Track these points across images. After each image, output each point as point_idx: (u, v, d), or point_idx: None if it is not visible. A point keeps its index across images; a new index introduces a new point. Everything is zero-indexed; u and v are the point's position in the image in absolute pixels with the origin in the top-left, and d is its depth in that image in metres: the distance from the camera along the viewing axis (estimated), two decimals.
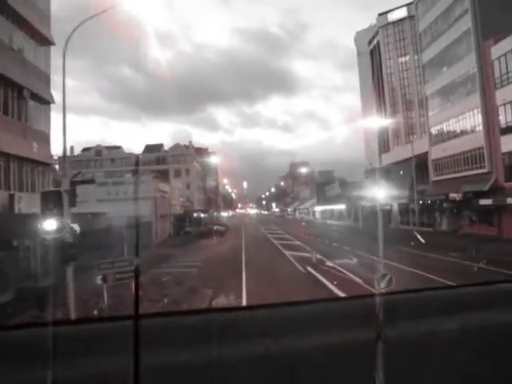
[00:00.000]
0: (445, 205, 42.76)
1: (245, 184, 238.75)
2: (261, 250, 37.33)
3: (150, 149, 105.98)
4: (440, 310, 1.97)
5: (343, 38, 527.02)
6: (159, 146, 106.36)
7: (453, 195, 40.39)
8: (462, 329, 1.89)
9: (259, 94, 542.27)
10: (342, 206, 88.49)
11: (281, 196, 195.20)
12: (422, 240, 36.04)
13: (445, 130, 46.08)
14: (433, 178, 48.13)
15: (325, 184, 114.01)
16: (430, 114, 48.62)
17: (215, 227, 61.53)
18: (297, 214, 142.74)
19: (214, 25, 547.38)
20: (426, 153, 48.04)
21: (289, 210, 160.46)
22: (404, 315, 1.89)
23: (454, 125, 44.29)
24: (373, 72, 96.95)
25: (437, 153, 46.96)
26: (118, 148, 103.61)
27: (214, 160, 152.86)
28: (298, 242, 41.87)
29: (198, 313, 2.00)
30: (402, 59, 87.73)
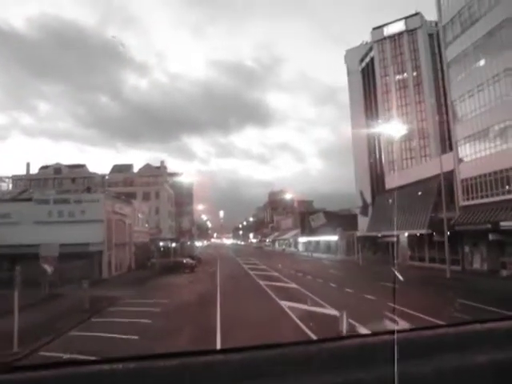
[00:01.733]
0: (491, 236, 32.16)
1: (221, 213, 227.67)
2: (244, 297, 25.82)
3: (118, 169, 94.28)
4: (416, 352, 1.85)
5: (316, 72, 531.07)
6: (128, 167, 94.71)
7: (507, 224, 29.85)
8: (438, 372, 1.79)
9: (234, 125, 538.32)
10: (331, 238, 77.59)
11: (259, 226, 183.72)
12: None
13: (479, 142, 35.92)
14: (461, 202, 37.78)
15: (307, 214, 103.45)
16: (459, 125, 38.50)
17: (184, 260, 49.74)
18: (276, 246, 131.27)
19: (190, 56, 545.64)
20: (450, 172, 37.65)
21: (267, 240, 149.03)
22: (380, 358, 1.77)
23: (492, 135, 34.26)
24: (364, 91, 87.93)
25: (468, 171, 36.69)
26: (80, 167, 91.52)
27: (187, 182, 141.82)
28: (293, 285, 30.50)
29: (172, 356, 1.75)
30: (400, 76, 78.76)
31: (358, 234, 63.85)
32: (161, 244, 69.52)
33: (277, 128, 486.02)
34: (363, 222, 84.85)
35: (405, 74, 78.36)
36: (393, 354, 1.80)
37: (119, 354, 1.98)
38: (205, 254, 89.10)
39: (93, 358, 1.83)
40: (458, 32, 38.37)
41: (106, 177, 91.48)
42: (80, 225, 41.15)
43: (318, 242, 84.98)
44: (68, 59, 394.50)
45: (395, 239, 50.52)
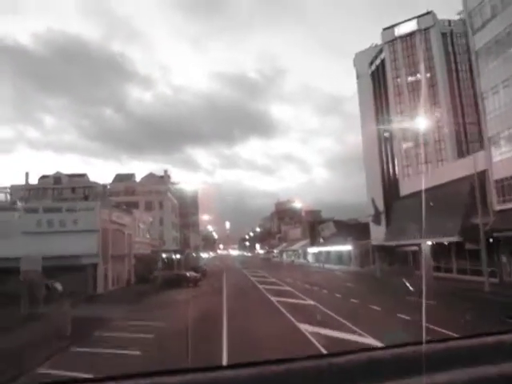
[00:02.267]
0: None
1: (227, 224, 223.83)
2: (255, 319, 21.57)
3: (120, 178, 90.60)
4: (427, 365, 1.79)
5: (318, 82, 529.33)
6: (130, 176, 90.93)
7: None
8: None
9: (238, 136, 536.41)
10: (343, 248, 73.21)
11: (266, 237, 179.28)
12: None
13: None
14: (496, 206, 33.53)
15: (316, 223, 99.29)
16: (490, 116, 34.31)
17: (188, 273, 45.52)
18: (284, 257, 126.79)
19: (192, 69, 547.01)
20: (481, 173, 33.38)
21: (275, 251, 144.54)
22: (390, 371, 1.77)
23: None
24: (375, 95, 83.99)
25: (503, 170, 32.46)
26: (81, 176, 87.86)
27: (192, 192, 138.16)
28: (310, 302, 26.32)
29: (179, 372, 1.73)
30: (412, 78, 74.78)
31: (374, 243, 59.46)
32: (164, 256, 65.41)
33: (281, 139, 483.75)
34: (376, 231, 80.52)
35: (418, 76, 74.38)
36: (404, 367, 1.77)
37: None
38: (210, 266, 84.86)
39: (100, 376, 1.71)
40: (488, 17, 34.42)
41: (108, 186, 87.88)
42: (72, 235, 37.17)
43: (328, 253, 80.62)
44: (73, 73, 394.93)
45: (416, 248, 46.22)
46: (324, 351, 13.91)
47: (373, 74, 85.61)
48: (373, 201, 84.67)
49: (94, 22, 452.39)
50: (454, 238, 36.32)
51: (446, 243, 39.94)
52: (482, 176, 33.53)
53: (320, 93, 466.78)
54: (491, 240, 32.03)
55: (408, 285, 22.34)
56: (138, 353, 15.67)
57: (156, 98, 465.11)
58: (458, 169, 40.98)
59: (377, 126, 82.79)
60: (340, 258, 76.10)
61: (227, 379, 1.71)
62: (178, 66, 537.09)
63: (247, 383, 1.69)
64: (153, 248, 63.63)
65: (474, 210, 33.84)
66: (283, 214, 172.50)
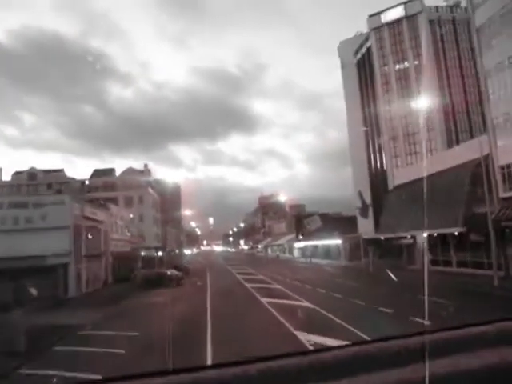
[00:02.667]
0: None
1: (211, 220, 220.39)
2: (245, 327, 18.38)
3: (98, 174, 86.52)
4: (410, 358, 1.82)
5: (299, 78, 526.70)
6: (110, 171, 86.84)
7: None
8: (432, 377, 1.74)
9: (220, 132, 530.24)
10: (331, 242, 70.49)
11: (250, 232, 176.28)
12: None
13: None
14: (502, 193, 30.86)
15: (302, 217, 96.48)
16: (494, 96, 31.54)
17: (169, 272, 42.15)
18: (269, 252, 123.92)
19: (173, 65, 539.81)
20: (484, 158, 30.63)
21: (259, 246, 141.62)
22: (375, 365, 1.77)
23: None
24: (360, 84, 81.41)
25: (509, 155, 29.77)
26: (57, 172, 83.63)
27: (174, 187, 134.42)
28: (307, 304, 23.16)
29: (163, 374, 1.69)
30: (400, 65, 72.23)
31: (364, 236, 56.78)
32: (144, 253, 61.96)
33: (262, 134, 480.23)
34: (363, 224, 78.13)
35: (405, 63, 71.87)
36: (389, 360, 1.79)
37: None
38: (194, 263, 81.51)
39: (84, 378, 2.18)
40: None
41: (86, 182, 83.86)
42: (40, 233, 33.60)
43: (315, 247, 77.86)
44: (51, 71, 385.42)
45: (411, 241, 43.58)
46: None
47: (358, 62, 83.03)
48: (360, 193, 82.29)
49: (72, 18, 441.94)
50: (457, 229, 33.59)
51: (444, 235, 37.29)
52: (485, 162, 30.76)
53: (301, 88, 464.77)
54: (496, 230, 29.32)
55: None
56: (99, 377, 12.42)
57: (137, 95, 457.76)
58: (457, 155, 38.35)
59: (363, 116, 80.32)
60: (327, 252, 73.36)
61: (211, 379, 1.67)
62: (159, 62, 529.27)
63: (232, 382, 1.65)
64: (132, 245, 60.11)
65: (475, 199, 31.20)
66: (267, 208, 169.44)
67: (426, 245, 40.32)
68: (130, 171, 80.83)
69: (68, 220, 35.14)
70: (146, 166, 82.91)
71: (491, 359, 1.83)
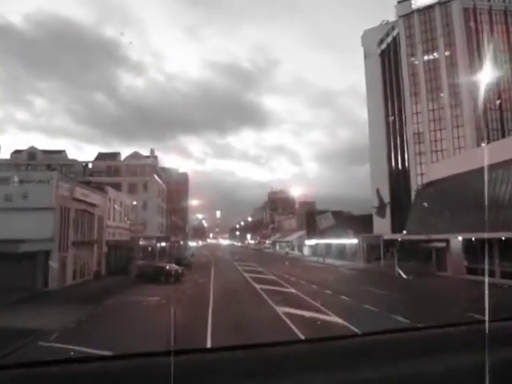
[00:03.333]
0: None
1: (218, 213, 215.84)
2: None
3: (102, 157, 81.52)
4: (408, 352, 1.83)
5: (311, 75, 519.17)
6: (115, 155, 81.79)
7: None
8: (428, 372, 1.76)
9: (230, 126, 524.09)
10: (347, 241, 65.12)
11: (258, 227, 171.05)
12: None
13: None
14: None
15: (315, 214, 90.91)
16: None
17: (168, 266, 36.93)
18: (277, 248, 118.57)
19: (185, 56, 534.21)
20: None
21: (267, 242, 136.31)
22: (371, 357, 1.76)
23: None
24: (384, 75, 75.69)
25: None
26: (59, 153, 78.77)
27: (182, 177, 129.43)
28: (337, 319, 17.80)
29: (162, 355, 1.68)
30: (430, 56, 66.44)
31: (386, 237, 51.33)
32: (144, 243, 56.90)
33: (273, 130, 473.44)
34: (380, 224, 72.72)
35: (435, 54, 66.06)
36: (384, 353, 1.78)
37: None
38: (198, 256, 76.43)
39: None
40: None
41: (89, 165, 78.95)
42: (20, 214, 28.56)
43: (328, 246, 72.45)
44: (64, 56, 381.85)
45: (443, 245, 38.13)
46: None
47: (382, 52, 77.24)
48: (377, 192, 76.73)
49: (87, 5, 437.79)
50: (506, 234, 28.08)
51: (484, 240, 31.77)
52: None
53: (313, 86, 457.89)
54: None
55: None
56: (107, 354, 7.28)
57: (149, 85, 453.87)
58: (502, 150, 32.81)
59: (385, 109, 74.67)
60: (342, 252, 67.98)
61: (210, 361, 1.67)
62: (171, 53, 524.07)
63: (230, 366, 1.65)
64: (133, 234, 55.09)
65: None
66: (276, 204, 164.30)
67: (454, 250, 34.82)
68: (135, 156, 75.70)
69: (53, 201, 30.05)
70: (152, 151, 77.64)
71: (491, 358, 1.75)
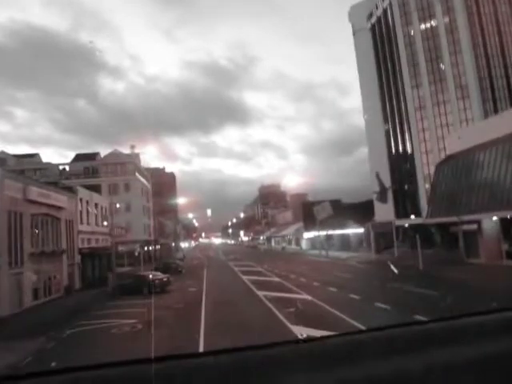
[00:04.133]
0: None
1: (209, 211, 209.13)
2: None
3: (80, 158, 74.60)
4: (406, 348, 1.79)
5: (290, 69, 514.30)
6: (93, 155, 74.84)
7: None
8: (427, 367, 1.72)
9: (214, 125, 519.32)
10: (350, 231, 59.15)
11: (250, 223, 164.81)
12: None
13: None
14: None
15: (311, 205, 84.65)
16: None
17: (151, 275, 30.39)
18: (272, 243, 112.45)
19: (164, 58, 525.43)
20: None
21: (261, 238, 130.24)
22: (370, 354, 1.73)
23: None
24: (376, 51, 69.65)
25: None
26: (31, 156, 71.76)
27: (169, 176, 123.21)
28: None
29: (162, 360, 1.67)
30: (427, 24, 60.46)
31: (398, 223, 45.24)
32: (127, 249, 50.41)
33: (257, 126, 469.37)
34: (382, 210, 66.95)
35: (433, 21, 60.12)
36: (383, 349, 1.75)
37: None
38: (190, 259, 70.07)
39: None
40: None
41: (66, 167, 72.03)
42: None
43: (329, 237, 66.45)
44: (41, 65, 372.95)
45: (474, 227, 32.11)
46: None
47: (373, 26, 71.10)
48: (377, 176, 70.77)
49: (60, 12, 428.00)
50: None
51: None
52: None
53: (293, 80, 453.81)
54: None
55: None
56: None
57: (129, 88, 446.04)
58: None
59: (380, 85, 68.72)
60: (345, 243, 62.11)
61: (208, 365, 1.63)
62: (149, 55, 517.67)
63: (229, 369, 1.62)
64: (114, 239, 48.47)
65: None
66: (268, 198, 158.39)
67: (487, 232, 28.80)
68: (114, 154, 68.95)
69: None
70: (132, 147, 70.75)
71: (491, 349, 1.76)
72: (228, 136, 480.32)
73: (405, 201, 64.74)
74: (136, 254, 53.31)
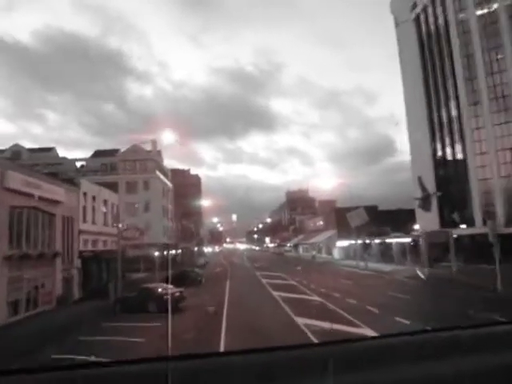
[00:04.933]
0: None
1: (234, 216, 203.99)
2: None
3: (99, 154, 69.51)
4: (435, 354, 1.75)
5: (316, 76, 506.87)
6: (113, 152, 69.55)
7: None
8: (456, 373, 1.70)
9: (239, 131, 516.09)
10: (394, 240, 52.04)
11: (277, 229, 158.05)
12: None
13: None
14: None
15: (345, 211, 77.50)
16: None
17: (160, 288, 23.97)
18: (300, 251, 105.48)
19: (190, 64, 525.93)
20: None
21: (288, 245, 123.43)
22: (399, 359, 1.71)
23: None
24: (421, 42, 62.58)
25: None
26: (47, 150, 66.89)
27: (195, 178, 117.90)
28: None
29: (179, 359, 1.68)
30: (485, 9, 53.07)
31: (461, 232, 38.02)
32: (142, 253, 44.54)
33: (282, 133, 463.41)
34: (425, 218, 59.77)
35: (494, 4, 52.70)
36: (411, 355, 1.71)
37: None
38: (212, 265, 63.90)
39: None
40: None
41: (83, 163, 66.94)
42: None
43: (366, 247, 59.42)
44: (72, 69, 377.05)
45: None
46: None
47: (417, 17, 63.96)
48: (419, 180, 63.32)
49: (91, 18, 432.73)
50: None
51: None
52: None
53: (318, 86, 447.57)
54: None
55: None
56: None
57: (156, 93, 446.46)
58: None
59: (424, 79, 61.60)
60: (387, 253, 54.99)
61: (224, 365, 1.63)
62: (176, 61, 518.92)
63: (243, 370, 1.60)
64: (127, 242, 42.61)
65: None
66: (295, 203, 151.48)
67: None
68: (134, 150, 63.45)
69: None
70: (153, 143, 64.95)
71: (470, 362, 1.71)
72: (253, 142, 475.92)
73: (453, 208, 57.26)
74: (155, 258, 47.55)
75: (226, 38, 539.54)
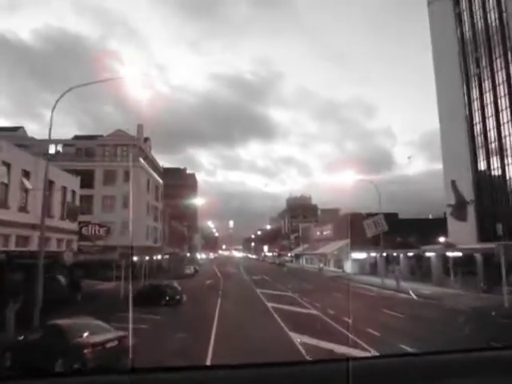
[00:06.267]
0: None
1: (231, 223, 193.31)
2: None
3: (78, 139, 58.81)
4: (459, 373, 1.74)
5: (315, 87, 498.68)
6: (94, 138, 58.72)
7: None
8: None
9: (238, 138, 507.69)
10: (431, 254, 41.28)
11: (276, 237, 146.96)
12: None
13: None
14: None
15: (361, 218, 66.43)
16: None
17: (86, 332, 12.51)
18: (302, 262, 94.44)
19: (190, 69, 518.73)
20: None
21: (289, 255, 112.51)
22: (419, 378, 1.68)
23: None
24: (460, 20, 52.62)
25: None
26: (13, 130, 56.16)
27: (188, 176, 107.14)
28: None
29: (185, 369, 1.70)
30: None
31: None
32: (107, 257, 33.58)
33: (280, 142, 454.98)
34: (457, 229, 49.56)
35: None
36: (434, 374, 1.66)
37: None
38: (202, 275, 52.88)
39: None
40: None
41: (60, 149, 56.15)
42: None
43: (389, 260, 48.78)
44: (71, 69, 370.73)
45: None
46: None
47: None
48: (453, 185, 52.84)
49: (92, 20, 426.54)
50: None
51: None
52: None
53: (317, 97, 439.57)
54: None
55: None
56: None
57: (155, 97, 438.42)
58: None
59: (463, 64, 51.55)
60: (417, 269, 44.33)
61: (227, 378, 1.58)
62: (175, 66, 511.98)
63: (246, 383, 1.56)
64: (84, 241, 31.70)
65: None
66: (297, 211, 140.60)
67: None
68: (116, 135, 52.79)
69: None
70: (139, 127, 54.05)
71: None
72: (252, 150, 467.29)
73: (494, 219, 46.83)
74: (133, 265, 36.83)
75: (225, 46, 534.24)
